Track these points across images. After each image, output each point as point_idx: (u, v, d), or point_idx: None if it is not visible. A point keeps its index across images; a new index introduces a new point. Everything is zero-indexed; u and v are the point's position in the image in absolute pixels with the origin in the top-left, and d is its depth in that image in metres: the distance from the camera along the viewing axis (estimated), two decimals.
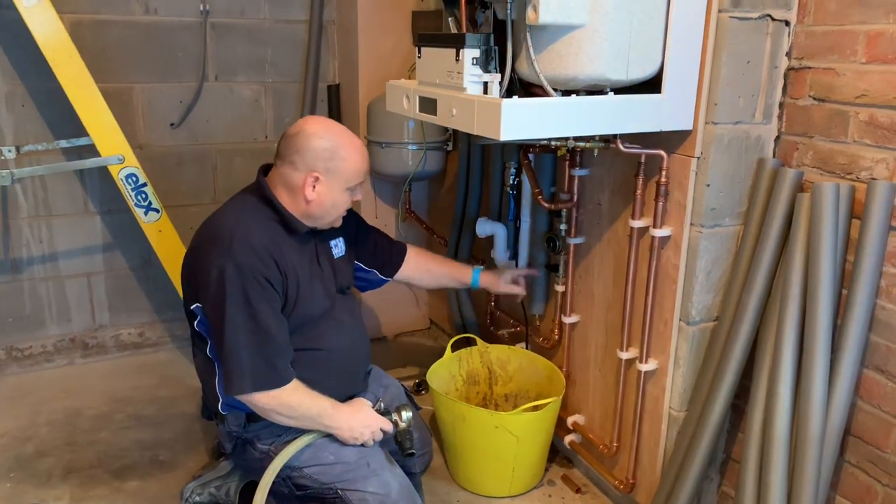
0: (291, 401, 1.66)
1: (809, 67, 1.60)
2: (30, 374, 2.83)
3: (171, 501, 2.04)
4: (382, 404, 1.80)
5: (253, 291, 1.61)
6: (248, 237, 1.64)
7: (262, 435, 1.79)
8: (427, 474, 2.17)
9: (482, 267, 2.17)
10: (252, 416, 1.80)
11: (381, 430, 1.74)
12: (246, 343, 1.61)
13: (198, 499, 1.97)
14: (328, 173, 1.69)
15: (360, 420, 1.72)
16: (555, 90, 1.54)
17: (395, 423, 1.76)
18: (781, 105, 1.67)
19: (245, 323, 1.61)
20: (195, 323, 1.72)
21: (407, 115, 1.83)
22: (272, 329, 1.63)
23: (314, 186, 1.69)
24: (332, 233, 1.89)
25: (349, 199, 1.76)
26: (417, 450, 1.83)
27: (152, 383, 2.76)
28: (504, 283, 2.17)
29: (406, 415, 1.77)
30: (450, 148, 2.73)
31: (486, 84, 1.56)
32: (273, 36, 2.91)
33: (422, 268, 2.12)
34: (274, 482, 1.82)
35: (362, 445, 1.73)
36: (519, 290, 2.19)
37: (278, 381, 1.64)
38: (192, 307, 1.68)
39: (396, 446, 1.81)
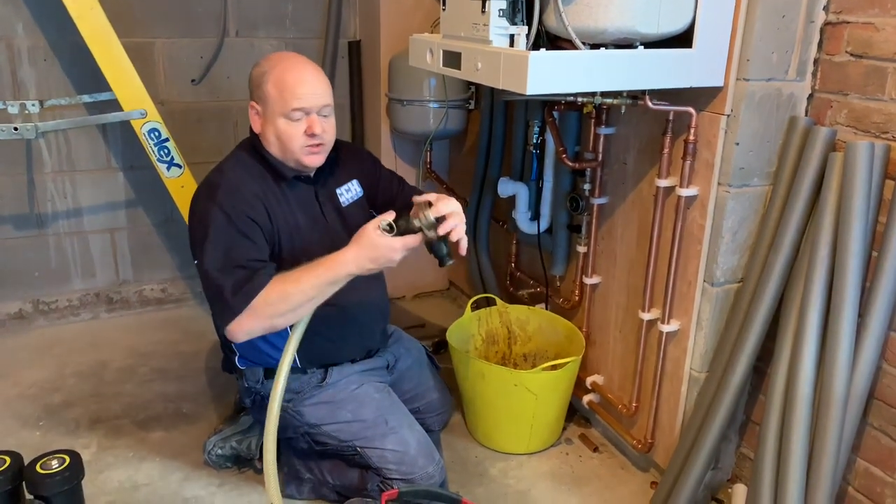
0: (283, 291, 1.52)
1: (847, 22, 1.55)
2: (56, 326, 2.89)
3: (195, 452, 2.08)
4: (390, 220, 1.48)
5: (235, 230, 1.59)
6: (234, 183, 1.66)
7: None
8: (446, 431, 2.20)
9: None
10: (269, 373, 1.82)
11: (405, 246, 1.47)
12: (223, 270, 1.56)
13: (220, 451, 2.01)
14: (262, 102, 1.67)
15: (370, 253, 1.48)
16: (583, 43, 1.50)
17: (419, 230, 1.46)
18: (816, 61, 1.63)
19: (223, 256, 1.57)
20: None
21: (430, 69, 1.80)
22: (249, 253, 1.58)
23: (257, 118, 1.69)
24: (340, 177, 1.85)
25: (296, 130, 1.65)
26: (451, 260, 1.52)
27: (175, 338, 2.80)
28: None
29: (427, 217, 1.45)
30: (472, 106, 2.70)
31: (512, 37, 1.52)
32: None
33: None
34: (292, 438, 1.86)
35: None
36: None
37: (258, 287, 1.53)
38: (195, 261, 1.68)
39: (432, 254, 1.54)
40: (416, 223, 1.46)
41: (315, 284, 1.52)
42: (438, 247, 1.48)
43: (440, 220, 1.47)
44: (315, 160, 1.72)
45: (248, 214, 1.61)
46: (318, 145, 1.69)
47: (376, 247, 1.47)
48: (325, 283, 1.52)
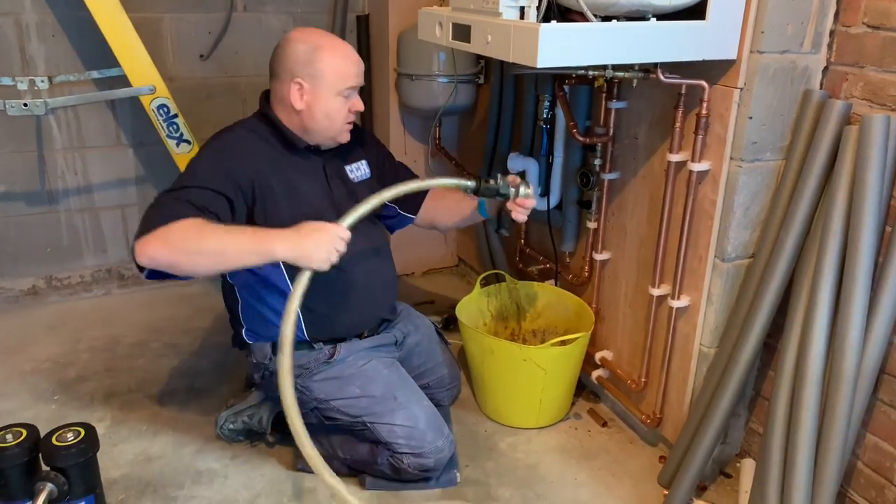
0: (202, 230, 1.47)
1: None
2: (69, 302, 2.91)
3: (207, 426, 2.11)
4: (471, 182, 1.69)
5: (210, 177, 1.61)
6: (235, 138, 1.72)
7: None
8: (455, 406, 2.22)
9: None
10: (276, 348, 1.83)
11: (341, 238, 1.53)
12: (170, 193, 1.60)
13: (231, 426, 2.03)
14: (312, 79, 1.68)
15: (309, 235, 1.51)
16: (594, 15, 1.48)
17: (505, 195, 1.75)
18: (832, 33, 1.60)
19: (180, 188, 1.59)
20: None
21: (440, 43, 1.79)
22: (203, 200, 1.57)
23: (302, 95, 1.69)
24: (349, 155, 1.87)
25: (345, 107, 1.72)
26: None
27: (186, 314, 2.82)
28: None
29: (526, 187, 1.74)
30: (481, 81, 2.67)
31: (522, 9, 1.50)
32: None
33: (440, 206, 2.06)
34: (302, 413, 1.87)
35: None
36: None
37: (182, 215, 1.49)
38: None
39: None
40: (511, 190, 1.73)
41: (234, 241, 1.50)
42: (507, 216, 1.79)
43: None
44: (348, 136, 1.79)
45: (231, 173, 1.64)
46: (352, 122, 1.77)
47: (321, 230, 1.51)
48: (245, 249, 1.50)
